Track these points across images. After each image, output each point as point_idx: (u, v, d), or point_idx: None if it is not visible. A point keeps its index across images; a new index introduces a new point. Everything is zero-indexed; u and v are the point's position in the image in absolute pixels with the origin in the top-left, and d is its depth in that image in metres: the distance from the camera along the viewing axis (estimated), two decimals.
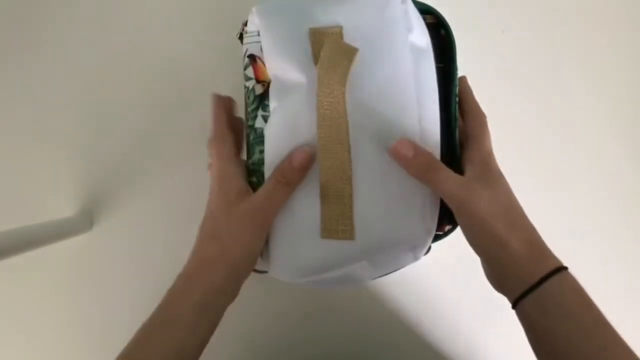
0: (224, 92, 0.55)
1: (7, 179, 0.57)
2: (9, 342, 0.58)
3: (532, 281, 0.32)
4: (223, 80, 0.56)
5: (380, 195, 0.35)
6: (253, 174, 0.38)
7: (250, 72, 0.39)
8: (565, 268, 0.32)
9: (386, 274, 0.40)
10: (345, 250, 0.35)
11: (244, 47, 0.39)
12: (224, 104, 0.42)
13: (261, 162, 0.37)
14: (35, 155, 0.56)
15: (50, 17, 0.56)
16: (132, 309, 0.57)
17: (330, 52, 0.33)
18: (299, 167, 0.34)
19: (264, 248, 0.37)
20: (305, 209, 0.35)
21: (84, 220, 0.56)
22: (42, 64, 0.56)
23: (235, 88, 0.55)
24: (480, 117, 0.38)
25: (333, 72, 0.33)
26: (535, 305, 0.32)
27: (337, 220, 0.35)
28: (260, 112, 0.38)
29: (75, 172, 0.56)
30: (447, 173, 0.34)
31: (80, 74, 0.56)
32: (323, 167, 0.34)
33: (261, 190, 0.36)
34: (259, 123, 0.38)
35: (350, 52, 0.33)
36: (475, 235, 0.34)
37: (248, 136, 0.39)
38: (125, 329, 0.59)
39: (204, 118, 0.56)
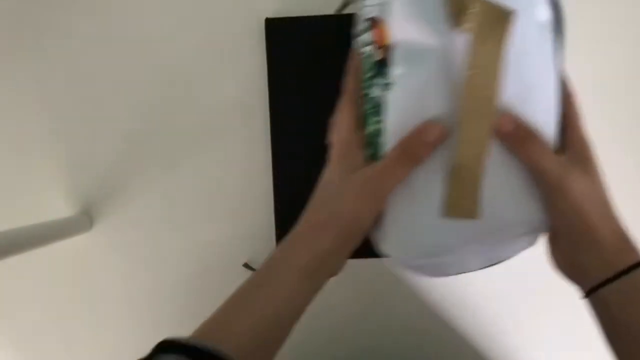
0: (226, 91, 0.55)
1: (7, 179, 0.57)
2: (9, 342, 0.58)
3: (618, 269, 0.31)
4: (224, 81, 0.56)
5: (506, 173, 0.33)
6: (368, 147, 0.36)
7: (369, 36, 0.36)
8: None
9: (492, 265, 0.39)
10: (463, 231, 0.34)
11: (363, 10, 0.36)
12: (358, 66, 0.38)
13: (377, 133, 0.35)
14: (35, 155, 0.56)
15: (52, 16, 0.56)
16: (132, 308, 0.57)
17: (484, 10, 0.30)
18: (432, 142, 0.31)
19: (378, 222, 0.36)
20: (427, 184, 0.33)
21: (84, 220, 0.56)
22: (42, 64, 0.56)
23: (234, 88, 0.55)
24: (570, 96, 0.36)
25: (491, 33, 0.30)
26: (618, 294, 0.31)
27: (464, 198, 0.33)
28: (378, 80, 0.35)
29: (75, 172, 0.56)
30: (546, 148, 0.33)
31: (80, 73, 0.56)
32: (461, 141, 0.32)
33: (381, 162, 0.33)
34: (376, 92, 0.35)
35: (507, 14, 0.30)
36: (565, 217, 0.33)
37: (363, 106, 0.37)
38: (125, 329, 0.59)
39: (205, 118, 0.56)
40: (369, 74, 0.36)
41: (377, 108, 0.35)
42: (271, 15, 0.52)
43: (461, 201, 0.33)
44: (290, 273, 0.34)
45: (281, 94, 0.52)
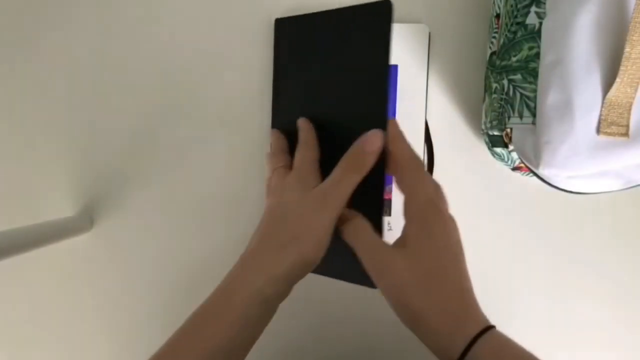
0: (229, 92, 0.55)
1: (7, 179, 0.56)
2: (8, 342, 0.57)
3: (453, 357, 0.29)
4: (223, 81, 0.56)
5: None
6: (517, 71, 0.38)
7: None
8: (490, 328, 0.30)
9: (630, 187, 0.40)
10: (615, 148, 0.35)
11: None
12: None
13: (530, 58, 0.37)
14: (35, 155, 0.56)
15: (52, 17, 0.56)
16: (131, 309, 0.57)
17: None
18: (374, 151, 0.33)
19: (536, 142, 0.37)
20: (587, 104, 0.35)
21: (84, 220, 0.55)
22: (43, 64, 0.56)
23: (235, 88, 0.55)
24: (415, 164, 0.35)
25: None
26: None
27: (618, 115, 0.34)
28: (533, 9, 0.37)
29: (75, 172, 0.56)
30: (368, 229, 0.34)
31: (80, 73, 0.56)
32: (620, 81, 0.33)
33: (333, 175, 0.34)
34: (531, 19, 0.37)
35: None
36: (393, 307, 0.32)
37: (514, 33, 0.39)
38: (124, 330, 0.59)
39: (207, 120, 0.56)
40: (524, 3, 0.38)
41: (531, 34, 0.37)
42: (280, 15, 0.52)
43: (618, 117, 0.35)
44: (245, 298, 0.33)
45: (284, 94, 0.51)
